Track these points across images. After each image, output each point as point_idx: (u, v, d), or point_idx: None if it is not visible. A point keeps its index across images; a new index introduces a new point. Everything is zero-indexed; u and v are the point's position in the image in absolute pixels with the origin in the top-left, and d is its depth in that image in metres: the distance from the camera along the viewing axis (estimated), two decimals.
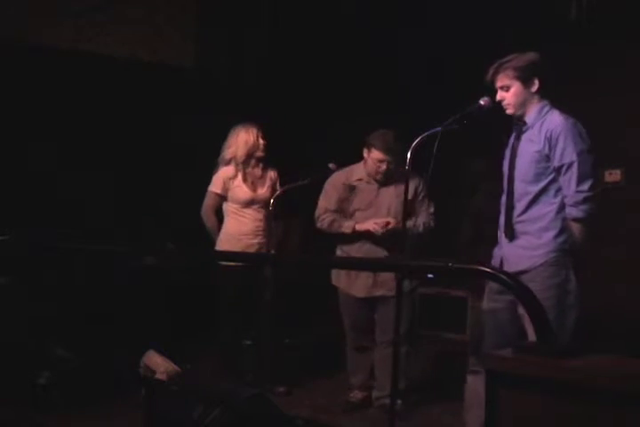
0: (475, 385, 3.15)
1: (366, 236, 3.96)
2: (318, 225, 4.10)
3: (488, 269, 1.80)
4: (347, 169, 4.12)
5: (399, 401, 3.76)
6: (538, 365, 1.55)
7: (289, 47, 5.72)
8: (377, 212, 3.99)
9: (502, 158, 3.18)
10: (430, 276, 4.11)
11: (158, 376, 3.78)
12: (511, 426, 1.60)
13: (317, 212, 4.10)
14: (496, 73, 3.00)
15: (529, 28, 4.81)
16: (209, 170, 4.47)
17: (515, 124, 3.08)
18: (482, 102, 3.03)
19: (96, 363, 4.04)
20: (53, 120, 4.83)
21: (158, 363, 3.92)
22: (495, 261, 3.07)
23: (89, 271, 4.62)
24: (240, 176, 4.34)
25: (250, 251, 4.21)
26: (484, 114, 3.10)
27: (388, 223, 3.89)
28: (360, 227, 3.97)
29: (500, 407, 1.61)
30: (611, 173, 4.97)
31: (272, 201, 4.00)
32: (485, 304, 3.10)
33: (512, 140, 3.09)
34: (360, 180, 4.06)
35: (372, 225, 3.92)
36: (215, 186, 4.36)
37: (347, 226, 4.01)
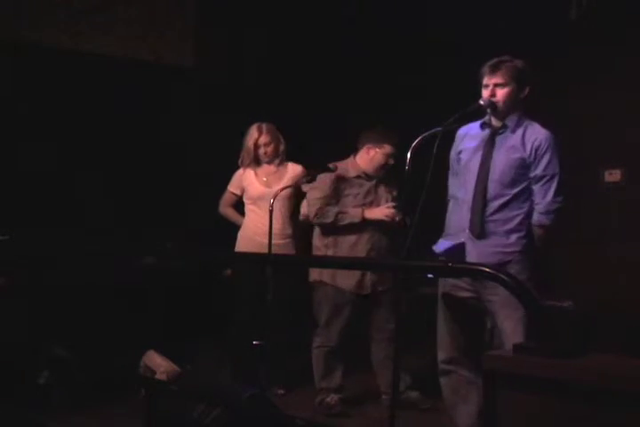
0: (450, 384, 3.18)
1: (363, 229, 3.93)
2: (320, 220, 3.96)
3: (488, 270, 1.81)
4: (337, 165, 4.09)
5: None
6: (538, 365, 1.55)
7: (289, 47, 5.72)
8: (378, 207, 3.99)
9: (458, 153, 3.22)
10: (430, 276, 4.10)
11: (158, 376, 3.78)
12: (511, 426, 1.60)
13: (314, 207, 3.96)
14: (495, 69, 3.02)
15: (529, 28, 4.81)
16: (209, 169, 4.47)
17: (484, 123, 3.13)
18: (482, 102, 3.05)
19: (96, 363, 4.04)
20: (53, 120, 4.83)
21: (158, 363, 3.93)
22: (453, 255, 3.10)
23: (89, 271, 4.61)
24: (252, 174, 4.38)
25: (264, 251, 3.95)
26: (484, 114, 3.11)
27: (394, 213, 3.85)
28: (370, 215, 3.90)
29: (500, 407, 1.61)
30: (611, 173, 4.97)
31: (271, 201, 3.99)
32: (443, 297, 3.18)
33: (483, 139, 3.11)
34: (358, 176, 4.04)
35: (384, 211, 3.88)
36: (231, 185, 4.45)
37: (354, 215, 3.91)
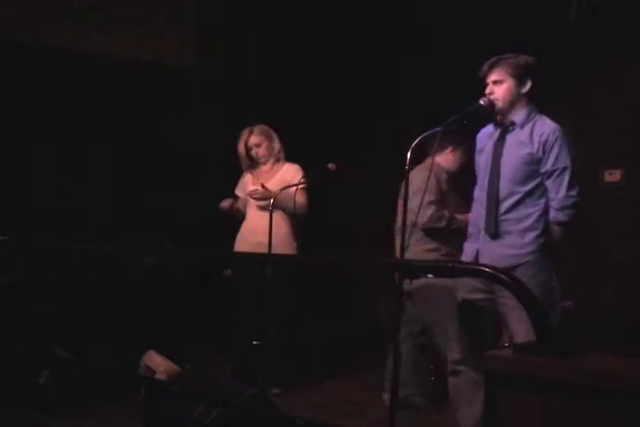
0: (458, 385, 3.17)
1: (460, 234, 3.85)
2: (432, 224, 3.78)
3: (488, 269, 1.80)
4: (422, 168, 3.93)
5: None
6: (538, 365, 1.55)
7: (289, 47, 5.72)
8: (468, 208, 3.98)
9: (476, 153, 3.21)
10: (430, 276, 4.09)
11: (158, 376, 3.78)
12: (511, 426, 1.60)
13: (429, 210, 3.75)
14: (493, 67, 3.02)
15: (529, 27, 4.81)
16: (209, 169, 4.49)
17: (496, 122, 3.11)
18: (482, 102, 3.04)
19: (96, 363, 4.04)
20: (53, 120, 4.84)
21: (158, 363, 3.93)
22: (466, 256, 3.10)
23: (89, 271, 4.62)
24: (250, 175, 4.46)
25: (255, 250, 4.09)
26: (484, 114, 3.10)
27: None
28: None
29: (500, 407, 1.61)
30: (611, 173, 4.97)
31: (271, 201, 3.99)
32: (463, 300, 3.15)
33: (494, 137, 3.10)
34: (448, 180, 3.97)
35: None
36: (237, 187, 4.53)
37: (463, 221, 3.80)
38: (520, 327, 2.84)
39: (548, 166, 2.94)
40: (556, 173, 2.94)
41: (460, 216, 3.89)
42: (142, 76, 5.23)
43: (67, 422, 3.58)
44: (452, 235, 3.83)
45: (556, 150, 2.93)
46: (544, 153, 2.94)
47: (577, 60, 4.92)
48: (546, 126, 2.97)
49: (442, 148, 4.00)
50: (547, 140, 2.93)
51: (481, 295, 3.05)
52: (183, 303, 4.84)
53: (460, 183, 4.02)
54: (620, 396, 1.43)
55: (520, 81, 3.00)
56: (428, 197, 3.73)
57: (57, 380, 3.79)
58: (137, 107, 5.12)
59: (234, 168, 4.50)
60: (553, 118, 3.03)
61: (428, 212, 3.74)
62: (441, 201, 3.84)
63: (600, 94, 4.88)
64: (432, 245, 3.88)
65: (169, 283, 4.86)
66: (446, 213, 3.83)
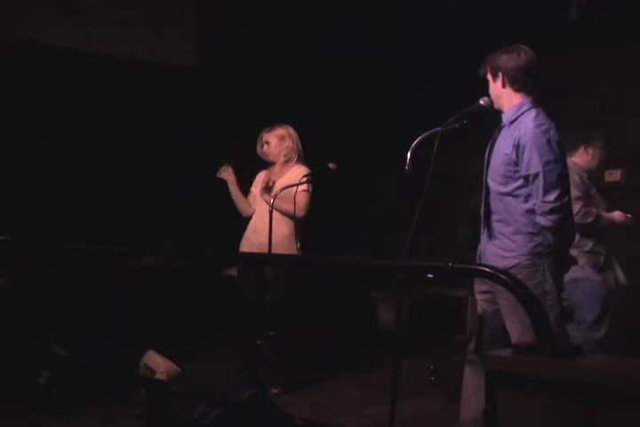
0: (469, 374, 3.16)
1: (603, 233, 3.93)
2: (580, 220, 3.68)
3: (488, 269, 1.81)
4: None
5: None
6: (538, 365, 1.55)
7: (289, 47, 5.72)
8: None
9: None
10: (430, 276, 4.09)
11: (158, 376, 3.79)
12: (511, 426, 1.60)
13: (576, 206, 3.57)
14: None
15: (529, 27, 4.81)
16: (209, 169, 4.48)
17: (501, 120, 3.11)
18: (482, 102, 3.02)
19: (96, 363, 4.04)
20: (53, 120, 4.84)
21: (158, 363, 3.93)
22: (478, 257, 3.10)
23: (89, 271, 4.62)
24: (264, 174, 4.43)
25: (259, 251, 4.10)
26: (484, 113, 3.10)
27: None
28: (619, 219, 3.93)
29: (500, 407, 1.61)
30: (611, 173, 4.98)
31: (271, 201, 3.99)
32: (478, 301, 3.15)
33: (496, 134, 3.10)
34: (589, 178, 3.99)
35: (622, 217, 3.89)
36: (253, 184, 4.50)
37: (608, 219, 3.87)
38: (514, 331, 2.82)
39: (522, 171, 2.82)
40: (530, 179, 2.81)
41: (605, 214, 3.92)
42: (142, 76, 5.23)
43: (67, 422, 3.58)
44: (601, 232, 3.89)
45: (526, 155, 2.79)
46: (517, 157, 2.82)
47: (576, 61, 4.92)
48: (522, 128, 2.84)
49: (574, 147, 3.99)
50: (518, 144, 2.81)
51: (491, 288, 3.02)
52: (183, 303, 4.84)
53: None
54: (619, 396, 1.43)
55: (493, 76, 2.96)
56: (575, 193, 3.58)
57: (57, 380, 3.79)
58: (136, 107, 5.12)
59: (234, 167, 4.49)
60: (542, 114, 2.90)
61: (575, 207, 3.52)
62: (587, 198, 3.86)
63: (599, 95, 4.89)
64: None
65: (169, 283, 4.86)
66: (594, 210, 3.85)
